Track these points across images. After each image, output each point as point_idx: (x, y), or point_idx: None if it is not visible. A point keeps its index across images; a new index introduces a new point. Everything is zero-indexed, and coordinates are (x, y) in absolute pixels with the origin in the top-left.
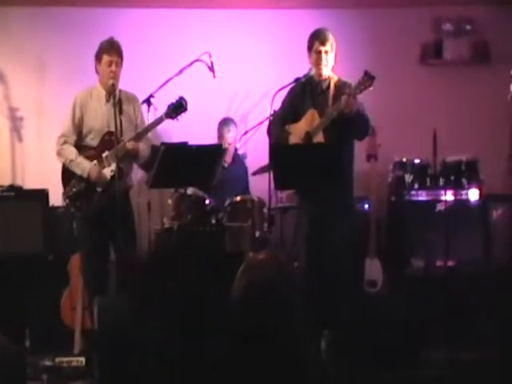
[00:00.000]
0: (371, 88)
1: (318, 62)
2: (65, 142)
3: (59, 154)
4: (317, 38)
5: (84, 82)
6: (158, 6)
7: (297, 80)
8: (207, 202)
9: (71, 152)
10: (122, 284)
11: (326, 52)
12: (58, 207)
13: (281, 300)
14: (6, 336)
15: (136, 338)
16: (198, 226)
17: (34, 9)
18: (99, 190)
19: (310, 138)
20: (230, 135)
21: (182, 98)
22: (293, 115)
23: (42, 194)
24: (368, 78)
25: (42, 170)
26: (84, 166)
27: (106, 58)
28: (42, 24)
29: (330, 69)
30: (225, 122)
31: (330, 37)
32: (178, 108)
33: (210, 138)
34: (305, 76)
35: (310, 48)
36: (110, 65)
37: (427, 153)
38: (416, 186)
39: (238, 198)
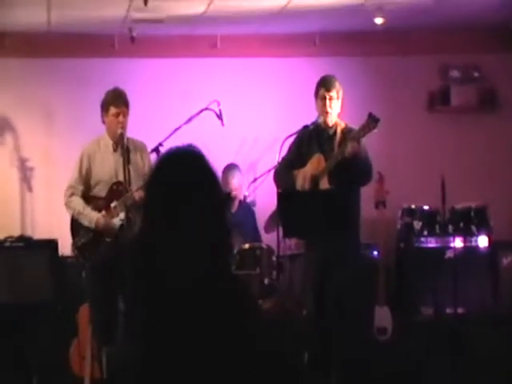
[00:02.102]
0: (376, 130)
1: (323, 109)
2: (72, 194)
3: (67, 205)
4: (322, 85)
5: (92, 131)
6: (165, 56)
7: (305, 127)
8: None
9: (79, 204)
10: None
11: (331, 98)
12: (68, 257)
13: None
14: None
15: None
16: None
17: (41, 60)
18: (108, 239)
19: (316, 181)
20: (235, 181)
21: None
22: (299, 161)
23: (52, 244)
24: (372, 121)
25: (51, 219)
26: (91, 217)
27: (112, 109)
28: (50, 75)
29: (335, 115)
30: (229, 168)
31: (336, 84)
32: None
33: None
34: (313, 123)
35: (316, 94)
36: (117, 116)
37: (436, 200)
38: (425, 232)
39: (247, 246)
